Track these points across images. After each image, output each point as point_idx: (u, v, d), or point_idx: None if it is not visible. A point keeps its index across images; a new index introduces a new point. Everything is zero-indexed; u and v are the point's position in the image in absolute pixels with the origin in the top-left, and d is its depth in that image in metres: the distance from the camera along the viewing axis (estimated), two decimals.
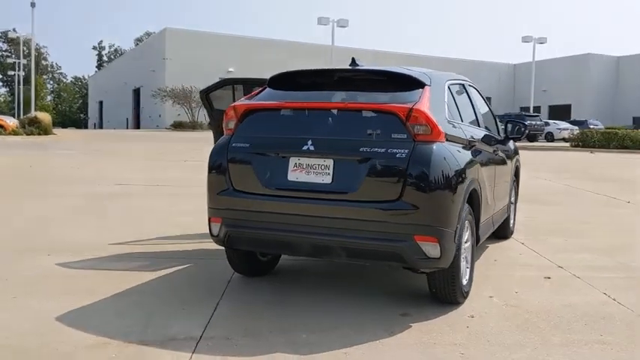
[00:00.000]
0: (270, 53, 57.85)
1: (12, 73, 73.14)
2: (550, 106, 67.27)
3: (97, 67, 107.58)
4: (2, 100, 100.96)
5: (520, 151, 7.13)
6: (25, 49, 66.55)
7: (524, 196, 8.39)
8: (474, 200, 4.41)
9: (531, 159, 18.28)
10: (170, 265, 5.26)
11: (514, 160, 6.57)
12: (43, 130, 32.53)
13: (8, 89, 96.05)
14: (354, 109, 4.07)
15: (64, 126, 78.56)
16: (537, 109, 60.48)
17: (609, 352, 3.52)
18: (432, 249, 3.81)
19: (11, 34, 62.38)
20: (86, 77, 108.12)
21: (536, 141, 37.13)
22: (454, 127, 4.31)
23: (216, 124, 5.96)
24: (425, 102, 3.99)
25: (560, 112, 63.45)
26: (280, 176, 4.10)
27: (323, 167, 3.98)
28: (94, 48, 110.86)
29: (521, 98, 67.39)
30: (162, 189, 10.60)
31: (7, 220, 7.48)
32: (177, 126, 51.18)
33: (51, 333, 3.65)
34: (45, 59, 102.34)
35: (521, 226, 7.32)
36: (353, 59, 4.60)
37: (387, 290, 4.68)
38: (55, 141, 28.19)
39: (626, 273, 5.41)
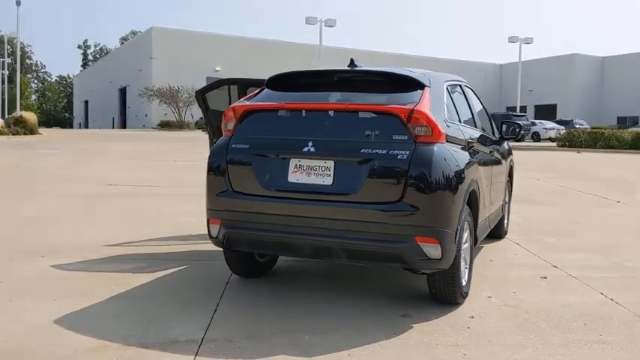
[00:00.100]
0: (258, 53, 57.80)
1: None
2: (536, 106, 67.82)
3: (82, 66, 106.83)
4: None
5: None
6: (9, 47, 65.84)
7: (516, 196, 8.43)
8: (472, 201, 4.42)
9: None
10: (166, 266, 5.22)
11: (508, 160, 6.61)
12: (29, 130, 32.24)
13: None
14: (354, 111, 4.05)
15: (48, 125, 77.88)
16: (523, 108, 60.89)
17: (609, 352, 3.54)
18: (432, 250, 3.81)
19: None
20: (71, 76, 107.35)
21: (523, 141, 37.36)
22: (453, 128, 4.32)
23: (211, 124, 5.93)
24: (425, 103, 4.00)
25: (546, 111, 64.01)
26: (280, 177, 4.08)
27: (324, 168, 3.97)
28: (79, 47, 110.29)
29: (507, 98, 67.86)
30: (154, 189, 10.54)
31: None
32: (164, 125, 50.96)
33: (49, 336, 3.60)
34: (29, 58, 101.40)
35: (514, 226, 7.36)
36: (352, 60, 4.59)
37: (386, 291, 4.68)
38: (42, 141, 27.90)
39: (620, 273, 5.45)
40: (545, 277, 5.15)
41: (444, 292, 4.19)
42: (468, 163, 4.28)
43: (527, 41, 53.80)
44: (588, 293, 4.74)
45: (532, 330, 3.85)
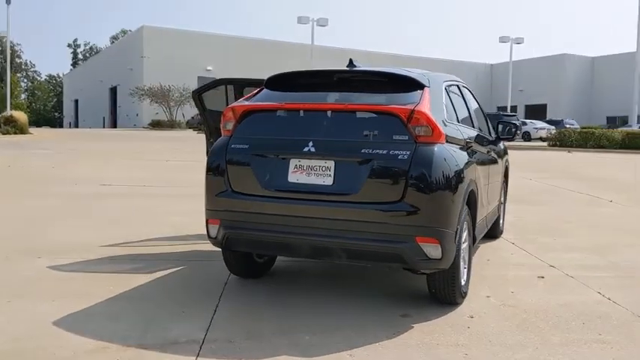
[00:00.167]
0: (250, 52, 57.72)
1: None
2: (526, 106, 68.11)
3: (72, 65, 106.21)
4: None
5: None
6: None
7: (510, 195, 8.46)
8: (471, 201, 4.43)
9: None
10: (163, 267, 5.20)
11: (504, 160, 6.64)
12: (19, 130, 32.03)
13: None
14: (354, 111, 4.05)
15: (38, 125, 77.37)
16: (514, 108, 61.17)
17: (609, 352, 3.55)
18: (433, 250, 3.82)
19: None
20: (61, 75, 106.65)
21: (514, 140, 37.46)
22: (452, 128, 4.33)
23: (208, 124, 5.91)
24: (426, 103, 4.00)
25: (537, 111, 64.28)
26: (280, 178, 4.07)
27: (324, 169, 3.97)
28: (69, 46, 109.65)
29: (498, 98, 68.13)
30: (148, 189, 10.50)
31: None
32: (155, 125, 50.78)
33: (48, 337, 3.58)
34: (19, 57, 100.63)
35: (509, 226, 7.39)
36: (350, 60, 4.59)
37: (386, 291, 4.68)
38: (32, 140, 27.73)
39: (616, 272, 5.48)
40: (543, 277, 5.17)
41: (443, 291, 4.20)
42: (466, 163, 4.29)
43: (518, 41, 54.16)
44: (586, 293, 4.77)
45: (531, 330, 3.87)
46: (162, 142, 28.03)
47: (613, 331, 3.90)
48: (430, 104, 4.05)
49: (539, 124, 42.72)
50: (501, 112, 47.35)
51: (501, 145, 6.51)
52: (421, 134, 3.88)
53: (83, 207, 8.46)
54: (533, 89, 67.12)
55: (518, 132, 5.85)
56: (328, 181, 3.96)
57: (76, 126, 78.83)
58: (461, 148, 4.35)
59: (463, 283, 4.34)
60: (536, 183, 13.11)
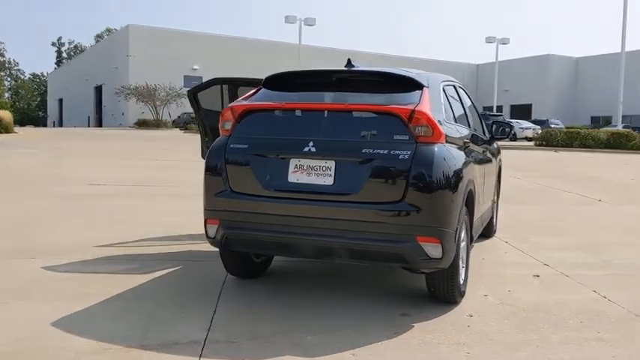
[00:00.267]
0: (237, 51, 57.58)
1: None
2: (512, 106, 68.64)
3: (56, 63, 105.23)
4: None
5: None
6: None
7: (501, 195, 8.51)
8: (469, 200, 4.45)
9: None
10: (160, 267, 5.17)
11: (498, 159, 6.68)
12: (4, 129, 31.71)
13: None
14: (355, 111, 4.05)
15: (22, 124, 76.53)
16: (500, 108, 61.63)
17: (608, 350, 3.59)
18: (433, 249, 3.83)
19: None
20: (45, 74, 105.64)
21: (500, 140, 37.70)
22: (451, 128, 4.34)
23: (203, 124, 5.89)
24: (425, 103, 4.02)
25: (522, 111, 64.81)
26: (280, 178, 4.06)
27: (324, 169, 3.96)
28: (53, 44, 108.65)
29: (484, 98, 68.50)
30: (139, 189, 10.44)
31: None
32: (141, 124, 50.51)
33: (48, 338, 3.55)
34: (2, 55, 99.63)
35: (501, 225, 7.42)
36: (349, 60, 4.59)
37: (384, 290, 4.69)
38: (18, 140, 27.47)
39: (610, 270, 5.54)
40: (538, 276, 5.21)
41: (443, 291, 4.22)
42: (465, 163, 4.31)
43: (504, 42, 54.54)
44: (581, 291, 4.81)
45: (531, 328, 3.90)
46: (149, 141, 27.87)
47: (611, 329, 3.94)
48: (430, 104, 4.07)
49: (525, 123, 43.02)
50: (487, 112, 47.62)
51: (495, 145, 6.55)
52: (421, 134, 3.90)
53: (74, 207, 8.39)
54: (518, 89, 67.67)
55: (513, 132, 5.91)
56: (329, 181, 3.95)
57: (61, 125, 78.15)
58: (459, 148, 4.36)
59: (462, 282, 4.36)
60: (526, 182, 13.19)
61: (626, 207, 10.09)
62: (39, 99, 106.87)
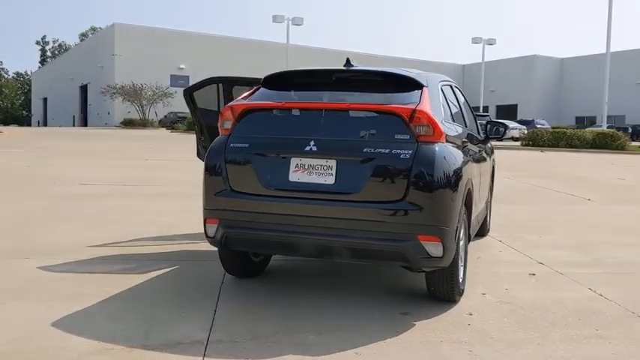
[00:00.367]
0: (224, 50, 57.39)
1: None
2: (498, 106, 69.09)
3: (40, 62, 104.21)
4: None
5: None
6: None
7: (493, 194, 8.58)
8: (468, 199, 4.47)
9: None
10: (156, 267, 5.14)
11: (492, 159, 6.72)
12: None
13: None
14: (356, 110, 4.06)
15: (5, 123, 75.88)
16: (485, 109, 61.96)
17: (608, 347, 3.62)
18: (434, 248, 3.85)
19: None
20: (29, 73, 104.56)
21: (502, 140, 37.87)
22: (450, 127, 4.37)
23: (199, 123, 5.86)
24: (426, 103, 4.03)
25: (507, 111, 65.26)
26: (281, 177, 4.06)
27: (325, 168, 3.97)
28: (37, 43, 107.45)
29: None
30: (130, 188, 10.37)
31: None
32: (128, 123, 50.15)
33: (48, 338, 3.52)
34: None
35: (493, 224, 7.46)
36: (348, 59, 4.59)
37: (383, 289, 4.71)
38: (2, 139, 27.17)
39: (603, 269, 5.60)
40: (534, 274, 5.25)
41: (442, 289, 4.24)
42: (464, 162, 4.33)
43: (490, 42, 54.84)
44: (577, 289, 4.85)
45: (531, 326, 3.92)
46: (136, 141, 27.67)
47: (608, 326, 3.98)
48: (430, 104, 4.08)
49: (511, 124, 43.25)
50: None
51: (489, 144, 6.59)
52: (422, 134, 3.91)
53: (66, 207, 8.31)
54: (504, 90, 68.12)
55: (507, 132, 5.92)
56: (330, 180, 3.96)
57: (45, 124, 77.40)
58: (458, 148, 4.39)
59: (461, 280, 4.38)
60: (515, 182, 13.28)
61: (614, 206, 10.19)
62: (23, 98, 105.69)
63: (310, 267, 5.36)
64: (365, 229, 3.88)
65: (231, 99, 5.77)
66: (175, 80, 56.54)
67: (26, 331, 3.61)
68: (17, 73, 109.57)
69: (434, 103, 4.20)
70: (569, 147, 28.40)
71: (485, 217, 6.59)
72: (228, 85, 5.87)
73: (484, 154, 5.86)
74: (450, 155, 4.03)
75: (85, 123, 64.48)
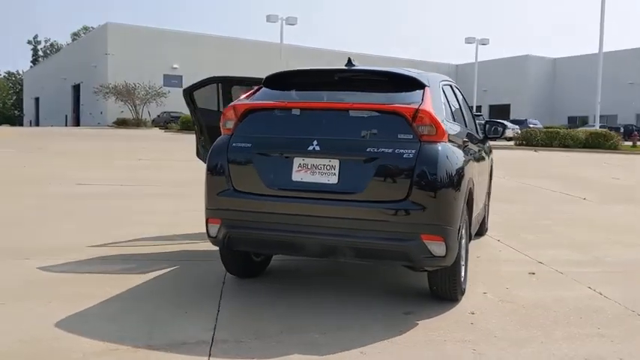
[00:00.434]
0: (217, 50, 57.25)
1: None
2: (490, 106, 69.27)
3: (32, 62, 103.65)
4: None
5: None
6: None
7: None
8: (469, 198, 4.49)
9: None
10: (156, 267, 5.13)
11: (490, 158, 6.75)
12: None
13: None
14: (359, 110, 4.06)
15: None
16: (478, 108, 62.13)
17: (610, 345, 3.65)
18: (437, 248, 3.86)
19: None
20: (21, 72, 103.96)
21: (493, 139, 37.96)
22: (451, 127, 4.38)
23: (199, 123, 5.86)
24: (429, 102, 4.05)
25: (500, 111, 65.45)
26: (284, 176, 4.06)
27: (328, 167, 3.97)
28: (29, 42, 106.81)
29: None
30: (127, 188, 10.34)
31: None
32: (121, 123, 49.90)
33: (53, 339, 3.50)
34: None
35: (491, 223, 7.50)
36: (349, 59, 4.59)
37: (385, 289, 4.72)
38: None
39: (602, 267, 5.63)
40: (534, 273, 5.28)
41: (445, 289, 4.26)
42: (465, 162, 4.35)
43: (484, 42, 55.00)
44: (577, 288, 4.88)
45: (533, 325, 3.95)
46: (130, 140, 27.52)
47: (610, 324, 4.01)
48: (432, 103, 4.10)
49: (506, 124, 43.41)
50: None
51: (487, 143, 6.61)
52: (425, 133, 3.92)
53: (64, 207, 8.28)
54: (497, 90, 68.28)
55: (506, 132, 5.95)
56: (333, 179, 3.96)
57: (37, 124, 76.89)
58: (459, 147, 4.40)
59: (462, 279, 4.40)
60: (510, 181, 13.33)
61: (610, 205, 10.26)
62: (15, 97, 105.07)
63: (311, 267, 5.36)
64: (368, 229, 3.88)
65: (230, 99, 5.77)
66: (168, 80, 56.35)
67: (30, 332, 3.60)
68: (9, 73, 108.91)
69: (436, 102, 4.21)
70: (563, 147, 28.52)
71: (484, 216, 6.62)
72: (228, 85, 5.87)
73: (483, 154, 5.88)
74: (452, 155, 4.05)
75: (77, 123, 64.14)
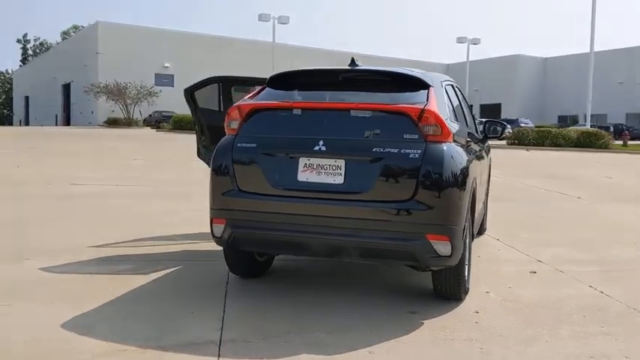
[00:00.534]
0: (209, 49, 57.09)
1: None
2: (482, 105, 69.49)
3: (21, 60, 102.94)
4: None
5: None
6: None
7: None
8: (472, 198, 4.51)
9: None
10: (158, 268, 5.12)
11: (488, 157, 6.78)
12: None
13: None
14: (365, 110, 4.07)
15: None
16: (470, 108, 62.18)
17: (614, 344, 3.68)
18: (443, 247, 3.88)
19: None
20: (10, 72, 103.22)
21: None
22: (455, 126, 4.40)
23: (200, 123, 5.84)
24: (434, 102, 4.07)
25: (491, 110, 65.70)
26: (289, 177, 4.06)
27: (334, 167, 3.98)
28: (19, 41, 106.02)
29: None
30: (122, 188, 10.30)
31: None
32: (112, 123, 49.64)
33: (60, 340, 3.50)
34: None
35: (489, 223, 7.52)
36: (352, 59, 4.60)
37: (388, 288, 4.73)
38: None
39: (601, 266, 5.67)
40: (535, 272, 5.31)
41: (449, 288, 4.28)
42: (469, 161, 4.37)
43: (475, 42, 55.19)
44: (578, 287, 4.92)
45: (538, 324, 3.97)
46: (122, 140, 27.39)
47: (614, 323, 4.04)
48: (437, 103, 4.12)
49: None
50: None
51: (487, 143, 6.64)
52: (430, 133, 3.94)
53: (61, 207, 8.25)
54: (488, 89, 68.54)
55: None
56: (339, 179, 3.97)
57: (27, 124, 76.36)
58: (463, 147, 4.42)
59: (466, 279, 4.42)
60: (505, 180, 13.37)
61: (604, 204, 10.32)
62: (4, 97, 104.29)
63: (314, 266, 5.37)
64: (374, 229, 3.90)
65: (230, 99, 5.77)
66: (160, 79, 56.16)
67: (37, 333, 3.59)
68: None
69: (440, 102, 4.23)
70: (554, 146, 28.69)
71: (483, 215, 6.65)
72: (228, 84, 5.87)
73: (483, 153, 5.92)
74: (457, 154, 4.07)
75: (67, 122, 63.74)
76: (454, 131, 4.20)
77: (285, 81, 4.54)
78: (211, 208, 4.34)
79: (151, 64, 55.96)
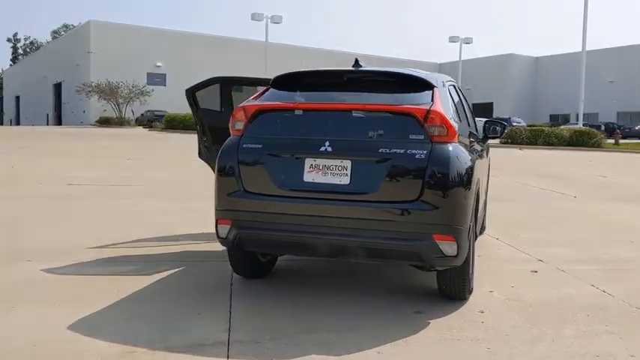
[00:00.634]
0: (201, 48, 56.95)
1: None
2: (474, 104, 69.62)
3: (11, 60, 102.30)
4: None
5: None
6: None
7: None
8: (477, 198, 4.53)
9: None
10: (160, 268, 5.11)
11: (488, 157, 6.81)
12: None
13: None
14: (371, 111, 4.09)
15: None
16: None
17: (619, 342, 3.71)
18: (449, 247, 3.89)
19: None
20: (0, 71, 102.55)
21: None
22: (458, 127, 4.42)
23: (201, 123, 5.84)
24: (439, 103, 4.08)
25: (483, 110, 65.85)
26: (295, 177, 4.07)
27: (340, 168, 3.99)
28: (9, 40, 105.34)
29: None
30: (118, 188, 10.26)
31: None
32: (104, 122, 49.44)
33: (68, 342, 3.49)
34: None
35: (488, 222, 7.56)
36: (356, 60, 4.61)
37: (392, 288, 4.75)
38: None
39: (601, 265, 5.72)
40: (536, 271, 5.35)
41: (454, 288, 4.30)
42: (473, 162, 4.38)
43: (467, 41, 55.35)
44: (580, 285, 4.96)
45: (543, 323, 4.00)
46: (114, 140, 27.30)
47: (617, 322, 4.07)
48: (442, 104, 4.14)
49: None
50: None
51: (487, 143, 6.66)
52: (436, 134, 3.96)
53: (58, 208, 8.21)
54: (480, 88, 68.78)
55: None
56: (345, 180, 3.98)
57: (18, 123, 75.91)
58: (467, 147, 4.44)
59: (471, 279, 4.44)
60: (500, 179, 13.37)
61: (600, 203, 10.38)
62: None
63: (317, 267, 5.38)
64: (380, 229, 3.91)
65: (230, 99, 5.76)
66: (152, 78, 55.99)
67: (43, 335, 3.58)
68: None
69: (445, 103, 4.25)
70: (547, 144, 28.86)
71: (484, 215, 6.68)
72: (228, 85, 5.86)
73: (484, 153, 5.94)
74: (462, 155, 4.09)
75: (59, 122, 63.40)
76: (458, 131, 4.22)
77: (289, 82, 4.54)
78: (216, 209, 4.33)
79: (143, 63, 55.78)
